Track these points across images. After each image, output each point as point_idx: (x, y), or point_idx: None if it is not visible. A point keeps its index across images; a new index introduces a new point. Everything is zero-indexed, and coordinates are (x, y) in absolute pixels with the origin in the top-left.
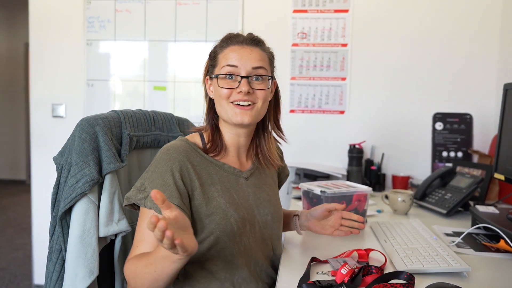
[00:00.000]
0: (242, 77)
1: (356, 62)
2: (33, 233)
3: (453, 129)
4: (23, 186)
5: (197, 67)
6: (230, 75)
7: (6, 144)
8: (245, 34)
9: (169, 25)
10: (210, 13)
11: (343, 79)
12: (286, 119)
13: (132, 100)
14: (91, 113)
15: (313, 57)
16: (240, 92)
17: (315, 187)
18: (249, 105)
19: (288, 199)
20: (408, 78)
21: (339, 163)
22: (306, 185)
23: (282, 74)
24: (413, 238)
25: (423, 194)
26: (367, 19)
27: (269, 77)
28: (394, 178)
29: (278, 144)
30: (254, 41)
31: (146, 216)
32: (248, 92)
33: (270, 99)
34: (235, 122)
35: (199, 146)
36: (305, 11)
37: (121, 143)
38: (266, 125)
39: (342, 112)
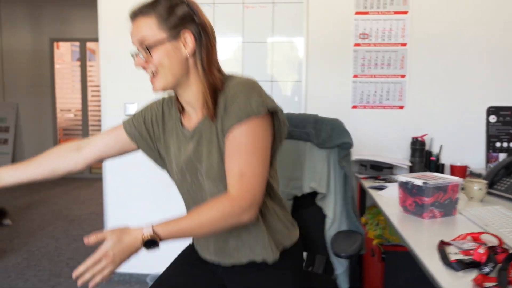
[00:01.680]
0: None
1: (414, 60)
2: (107, 227)
3: (506, 121)
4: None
5: (264, 68)
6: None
7: (34, 138)
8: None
9: (236, 28)
10: (277, 15)
11: (403, 76)
12: (348, 114)
13: None
14: None
15: (374, 56)
16: (135, 65)
17: (413, 178)
18: (154, 74)
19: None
20: (463, 73)
21: (399, 155)
22: (404, 177)
23: (345, 72)
24: (510, 222)
25: (491, 182)
26: (425, 20)
27: (156, 45)
28: (453, 167)
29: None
30: (136, 13)
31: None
32: (141, 64)
33: (189, 51)
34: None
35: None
36: (366, 13)
37: None
38: (198, 71)
39: (401, 107)
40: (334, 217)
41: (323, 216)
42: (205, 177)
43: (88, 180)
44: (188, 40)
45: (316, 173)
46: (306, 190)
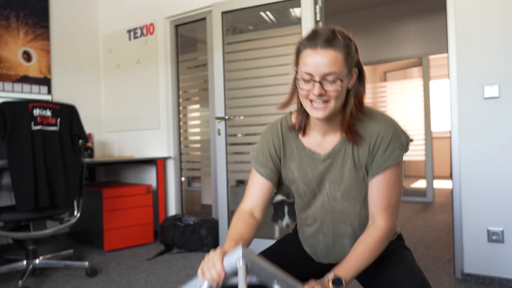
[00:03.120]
0: (315, 82)
1: None
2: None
3: None
4: None
5: None
6: (307, 80)
7: None
8: (323, 31)
9: None
10: None
11: None
12: None
13: None
14: None
15: None
16: (314, 94)
17: None
18: (324, 102)
19: None
20: None
21: None
22: None
23: None
24: None
25: None
26: None
27: (341, 79)
28: None
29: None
30: (327, 43)
31: (253, 174)
32: (321, 94)
33: (351, 85)
34: (313, 116)
35: (293, 124)
36: None
37: None
38: (349, 103)
39: None
40: None
41: None
42: (342, 198)
43: None
44: (354, 74)
45: None
46: None
